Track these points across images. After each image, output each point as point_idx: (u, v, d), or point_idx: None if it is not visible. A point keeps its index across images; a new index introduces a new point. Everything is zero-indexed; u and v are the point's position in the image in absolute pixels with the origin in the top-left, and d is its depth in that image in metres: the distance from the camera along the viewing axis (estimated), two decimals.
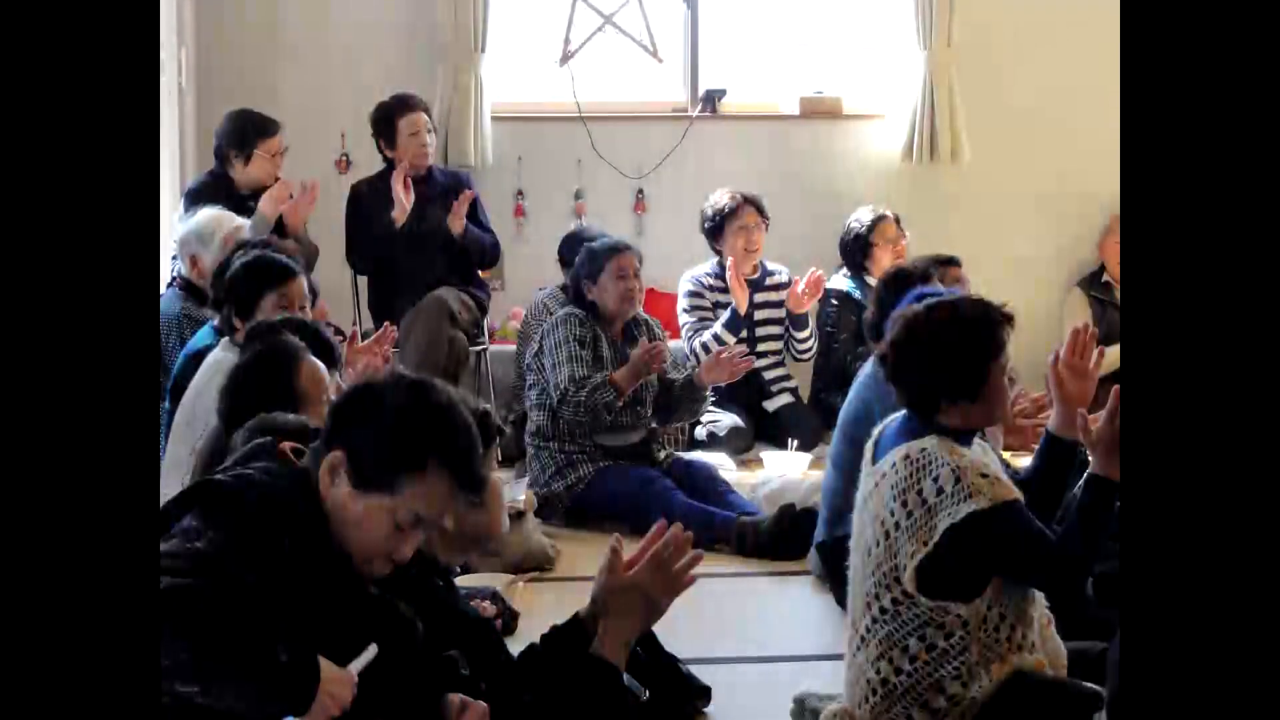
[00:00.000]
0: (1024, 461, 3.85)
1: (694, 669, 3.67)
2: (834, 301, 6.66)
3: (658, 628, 3.24)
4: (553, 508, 5.46)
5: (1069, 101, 7.29)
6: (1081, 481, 3.23)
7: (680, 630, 3.67)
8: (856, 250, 6.67)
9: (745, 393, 6.43)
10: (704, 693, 3.69)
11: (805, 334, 6.63)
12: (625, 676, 3.00)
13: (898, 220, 6.70)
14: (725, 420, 6.35)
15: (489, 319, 6.77)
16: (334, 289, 6.34)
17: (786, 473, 5.68)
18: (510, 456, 6.17)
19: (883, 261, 6.42)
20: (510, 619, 4.20)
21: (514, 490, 5.36)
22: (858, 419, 4.31)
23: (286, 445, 2.63)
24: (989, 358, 3.22)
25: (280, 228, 5.75)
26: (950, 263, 5.26)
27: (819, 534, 4.64)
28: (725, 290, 6.55)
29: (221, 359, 4.10)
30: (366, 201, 6.42)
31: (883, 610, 3.16)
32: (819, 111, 7.38)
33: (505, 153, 7.22)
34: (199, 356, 4.39)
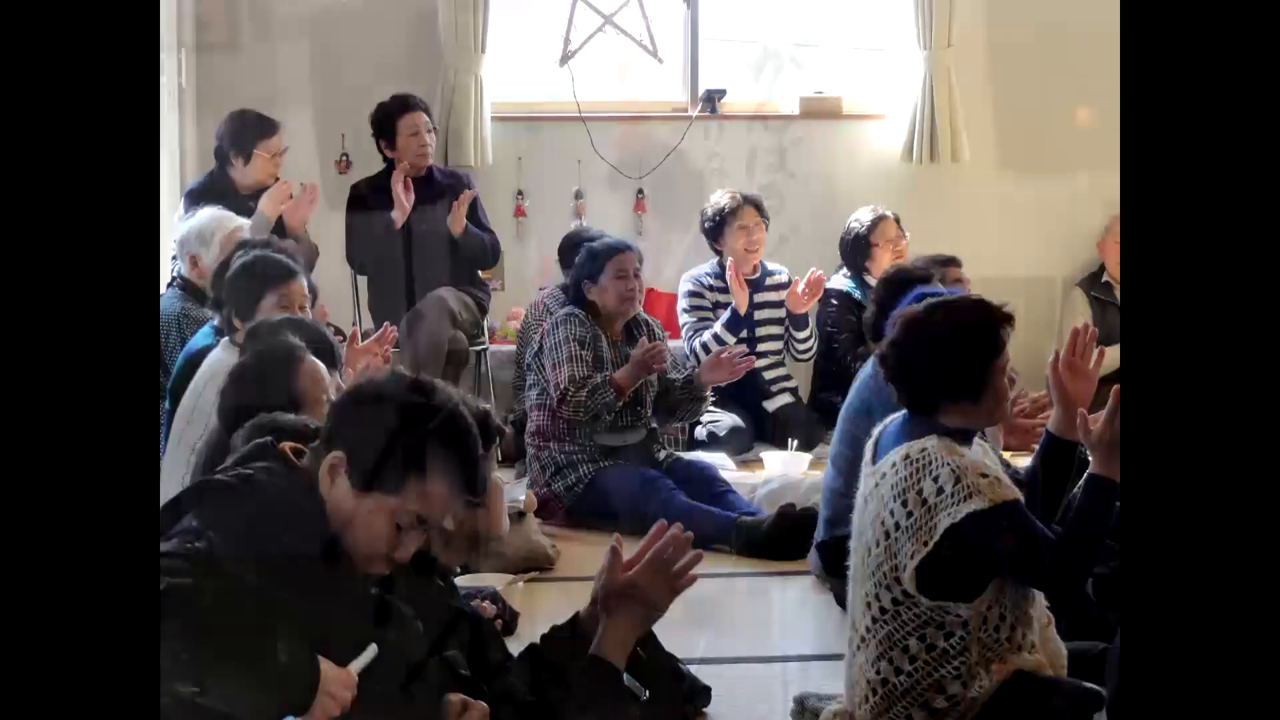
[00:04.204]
0: (1024, 461, 3.85)
1: (694, 669, 3.67)
2: (834, 301, 6.66)
3: (658, 628, 3.24)
4: (553, 508, 5.46)
5: (1069, 101, 7.29)
6: (1081, 481, 3.23)
7: (680, 630, 3.67)
8: (856, 250, 6.67)
9: (745, 393, 6.43)
10: (704, 693, 3.69)
11: (805, 334, 6.63)
12: (625, 676, 3.01)
13: (898, 220, 6.70)
14: (725, 420, 6.35)
15: (489, 319, 6.78)
16: (334, 289, 6.35)
17: (786, 473, 5.68)
18: (510, 456, 6.17)
19: (883, 261, 6.42)
20: (510, 619, 4.20)
21: (514, 490, 5.36)
22: (858, 418, 4.31)
23: (286, 445, 2.63)
24: (989, 358, 3.22)
25: (280, 228, 5.76)
26: (950, 263, 5.26)
27: (819, 534, 4.64)
28: (725, 290, 6.55)
29: (221, 359, 4.11)
30: (366, 201, 6.42)
31: (883, 610, 3.16)
32: (819, 111, 7.38)
33: (505, 153, 7.22)
34: (199, 356, 4.39)
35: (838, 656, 3.50)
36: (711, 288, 6.64)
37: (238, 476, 2.53)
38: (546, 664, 3.08)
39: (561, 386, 5.40)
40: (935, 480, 3.09)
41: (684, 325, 6.66)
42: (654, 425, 5.69)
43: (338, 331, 4.48)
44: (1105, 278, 7.18)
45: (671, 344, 6.09)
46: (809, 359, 6.74)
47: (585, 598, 3.16)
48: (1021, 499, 3.13)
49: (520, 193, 7.29)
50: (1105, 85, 6.70)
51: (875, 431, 3.37)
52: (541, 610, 4.18)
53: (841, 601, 3.95)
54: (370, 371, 3.70)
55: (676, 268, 6.88)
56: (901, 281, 4.45)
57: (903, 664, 3.14)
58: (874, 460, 3.29)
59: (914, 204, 7.11)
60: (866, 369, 4.47)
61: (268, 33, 7.11)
